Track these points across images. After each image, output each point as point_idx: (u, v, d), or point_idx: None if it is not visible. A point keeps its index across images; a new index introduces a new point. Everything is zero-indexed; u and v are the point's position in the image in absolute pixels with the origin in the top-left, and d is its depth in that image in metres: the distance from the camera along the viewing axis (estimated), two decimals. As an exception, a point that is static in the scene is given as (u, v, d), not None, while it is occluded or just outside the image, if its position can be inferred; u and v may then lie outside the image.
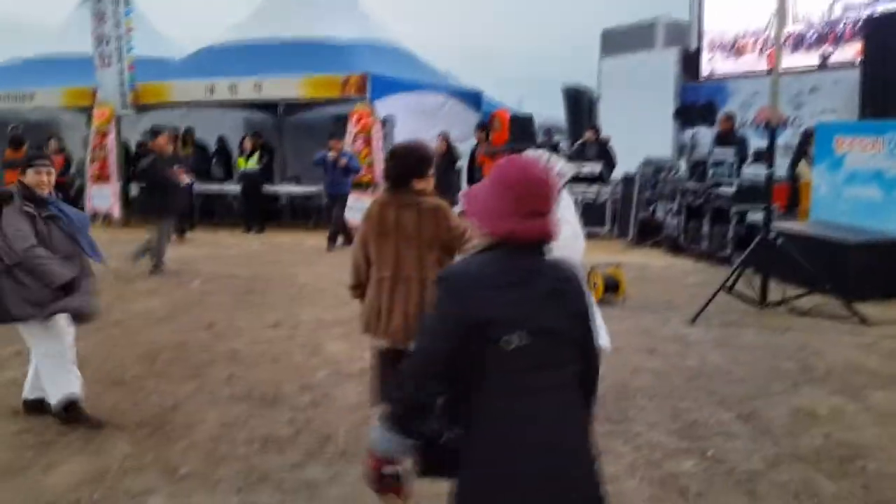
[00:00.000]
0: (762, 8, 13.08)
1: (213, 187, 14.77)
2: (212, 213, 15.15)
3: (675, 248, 10.74)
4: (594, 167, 11.90)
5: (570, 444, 1.97)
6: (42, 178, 4.22)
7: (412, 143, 3.98)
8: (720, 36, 14.87)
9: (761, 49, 13.93)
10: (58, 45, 16.95)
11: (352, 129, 12.39)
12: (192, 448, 4.05)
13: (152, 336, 6.31)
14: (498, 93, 17.34)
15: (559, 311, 1.96)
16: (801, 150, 10.71)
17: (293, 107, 16.71)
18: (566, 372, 1.99)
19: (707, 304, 6.80)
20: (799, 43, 13.39)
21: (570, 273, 2.05)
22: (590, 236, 4.80)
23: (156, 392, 4.93)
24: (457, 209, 3.74)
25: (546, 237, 1.97)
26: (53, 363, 4.37)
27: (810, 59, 13.17)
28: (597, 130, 12.41)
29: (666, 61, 15.21)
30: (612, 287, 7.38)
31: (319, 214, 13.62)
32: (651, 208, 11.92)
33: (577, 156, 12.44)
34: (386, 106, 12.64)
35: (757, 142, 12.82)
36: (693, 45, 15.49)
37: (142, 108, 14.75)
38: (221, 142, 16.09)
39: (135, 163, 15.13)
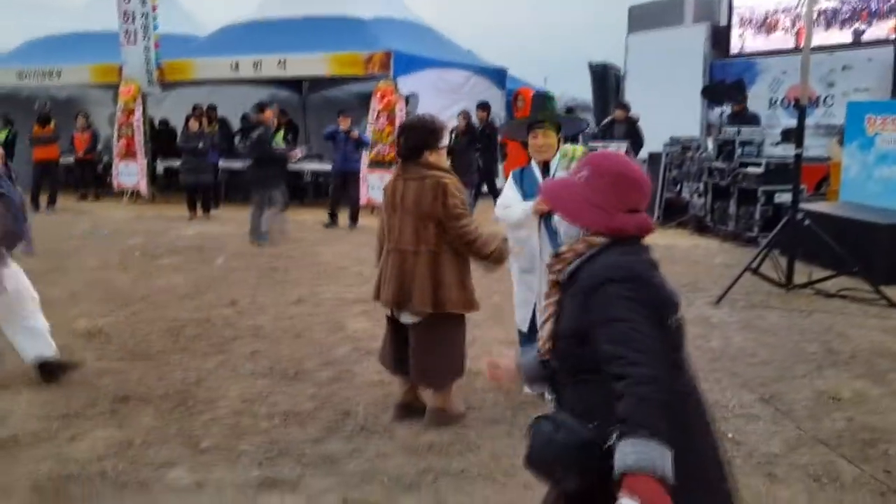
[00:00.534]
0: (794, -17, 12.80)
1: (238, 165, 14.84)
2: (237, 190, 15.24)
3: (701, 228, 10.63)
4: (620, 146, 11.77)
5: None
6: None
7: (422, 116, 4.09)
8: (750, 12, 14.57)
9: (793, 25, 13.64)
10: (84, 22, 17.06)
11: (375, 106, 12.36)
12: (214, 422, 4.10)
13: (177, 312, 6.39)
14: (522, 70, 17.19)
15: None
16: None
17: (317, 84, 16.72)
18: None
19: (732, 286, 6.73)
20: (832, 19, 13.10)
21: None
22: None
23: (180, 367, 5.00)
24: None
25: (645, 232, 1.96)
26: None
27: (843, 35, 12.88)
28: (626, 109, 12.19)
29: (695, 38, 14.92)
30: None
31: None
32: (677, 188, 11.79)
33: (604, 134, 12.30)
34: (409, 83, 12.59)
35: (787, 121, 12.62)
36: (723, 21, 15.21)
37: (167, 86, 14.83)
38: (246, 119, 16.14)
39: (162, 139, 15.32)
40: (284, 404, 4.34)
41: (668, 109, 13.43)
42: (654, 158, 11.85)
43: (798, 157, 6.93)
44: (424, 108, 12.68)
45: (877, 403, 4.36)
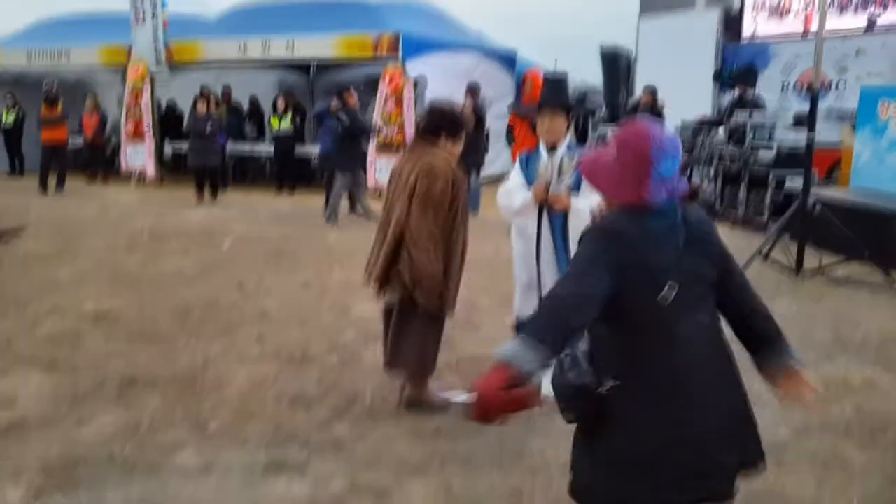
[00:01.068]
0: (808, -34, 12.64)
1: (246, 148, 14.83)
2: (244, 173, 15.25)
3: (711, 213, 10.55)
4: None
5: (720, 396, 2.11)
6: None
7: (453, 105, 4.13)
8: (764, -5, 14.40)
9: (806, 9, 13.48)
10: (93, 3, 17.02)
11: (383, 89, 12.29)
12: (221, 405, 4.11)
13: (184, 295, 6.40)
14: (532, 54, 17.06)
15: (700, 257, 2.05)
16: None
17: (325, 67, 16.63)
18: (706, 312, 2.07)
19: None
20: (845, 4, 12.93)
21: (703, 218, 2.12)
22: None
23: (187, 350, 5.00)
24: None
25: (673, 196, 2.03)
26: None
27: (857, 21, 12.71)
28: (654, 94, 11.97)
29: (707, 22, 14.77)
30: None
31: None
32: (688, 173, 11.71)
33: (627, 116, 12.16)
34: (418, 66, 12.51)
35: (799, 106, 12.50)
36: (735, 6, 15.03)
37: (174, 67, 14.80)
38: (254, 102, 16.12)
39: (172, 121, 15.31)
40: (291, 388, 4.34)
41: (680, 94, 13.30)
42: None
43: (810, 142, 6.86)
44: (433, 91, 12.62)
45: (887, 390, 4.33)
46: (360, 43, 12.61)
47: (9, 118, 14.94)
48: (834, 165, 10.95)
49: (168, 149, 15.88)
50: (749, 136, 9.83)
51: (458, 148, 3.91)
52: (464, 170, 3.92)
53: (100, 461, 3.45)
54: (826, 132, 10.94)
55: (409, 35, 12.46)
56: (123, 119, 14.60)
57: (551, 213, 3.95)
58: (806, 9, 13.46)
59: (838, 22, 12.57)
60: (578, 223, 3.61)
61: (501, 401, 1.90)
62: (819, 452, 3.56)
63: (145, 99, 14.33)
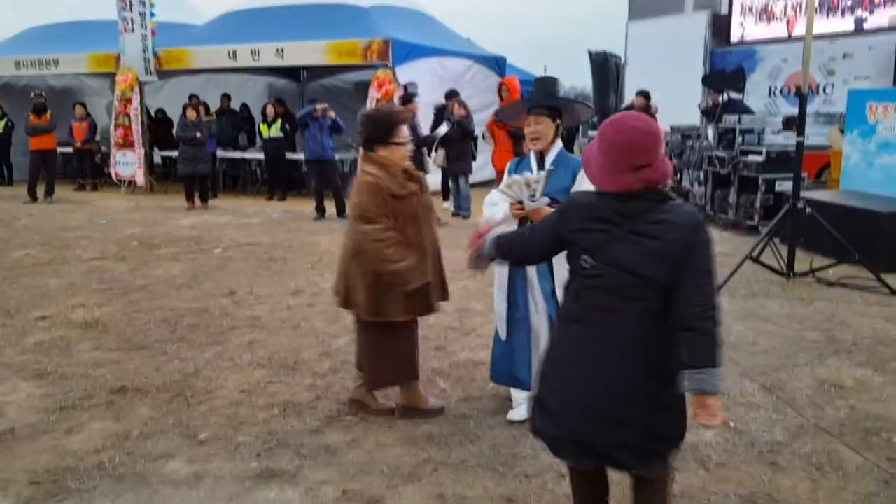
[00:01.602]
0: (795, -30, 12.71)
1: (236, 154, 14.80)
2: (235, 180, 15.21)
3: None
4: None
5: (616, 367, 2.26)
6: None
7: (381, 108, 4.07)
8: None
9: (794, 13, 13.56)
10: (82, 11, 16.96)
11: (373, 94, 12.28)
12: (212, 413, 4.07)
13: (174, 302, 6.36)
14: (522, 59, 17.12)
15: (638, 251, 2.20)
16: None
17: (315, 73, 16.63)
18: (634, 305, 2.24)
19: (732, 275, 6.70)
20: (832, 7, 13.02)
21: (671, 217, 2.21)
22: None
23: (177, 357, 4.96)
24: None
25: (650, 184, 2.23)
26: None
27: (845, 23, 12.80)
28: (647, 97, 12.00)
29: (695, 26, 14.84)
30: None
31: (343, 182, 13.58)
32: (677, 176, 11.73)
33: None
34: (408, 71, 12.50)
35: (787, 109, 12.57)
36: (723, 10, 15.12)
37: (163, 74, 14.76)
38: (245, 109, 16.09)
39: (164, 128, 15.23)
40: (283, 395, 4.31)
41: (669, 97, 13.35)
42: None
43: (799, 145, 6.88)
44: (424, 96, 12.59)
45: (879, 391, 4.34)
46: (350, 49, 12.60)
47: (-2, 128, 14.87)
48: (823, 168, 11.02)
49: (158, 156, 15.85)
50: (738, 140, 9.86)
51: (399, 151, 3.74)
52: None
53: (89, 471, 3.40)
54: (815, 135, 11.02)
55: (399, 41, 12.46)
56: (113, 127, 14.53)
57: None
58: (795, 12, 13.54)
59: (826, 25, 12.65)
60: None
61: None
62: (813, 454, 3.55)
63: (134, 106, 14.27)
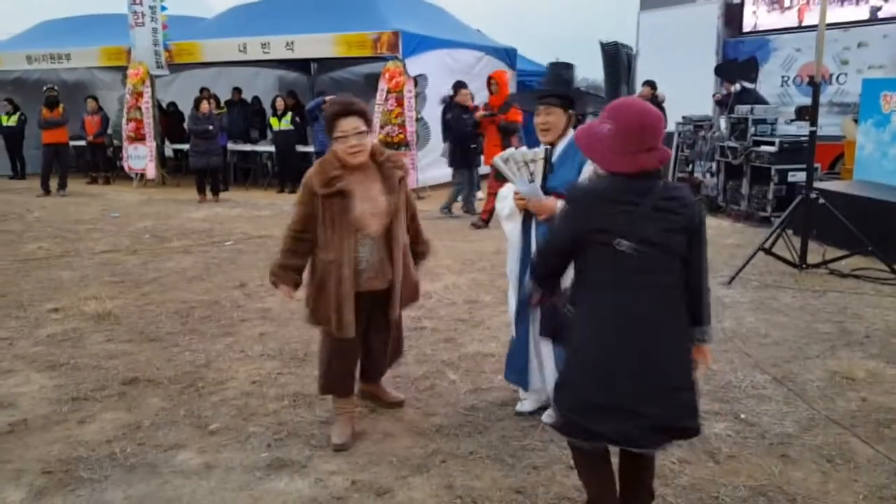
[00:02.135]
0: (809, -42, 12.58)
1: (247, 147, 14.84)
2: (246, 172, 15.25)
3: (714, 208, 10.53)
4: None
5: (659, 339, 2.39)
6: None
7: (331, 100, 3.79)
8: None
9: (807, 2, 13.42)
10: (92, 5, 17.05)
11: (384, 87, 12.27)
12: (223, 404, 4.10)
13: (186, 294, 6.39)
14: (532, 50, 17.04)
15: (664, 226, 2.35)
16: None
17: (325, 65, 16.63)
18: (669, 278, 2.40)
19: (744, 266, 6.66)
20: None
21: (679, 194, 2.41)
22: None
23: (188, 349, 4.99)
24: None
25: (656, 166, 2.37)
26: None
27: (859, 12, 12.66)
28: (653, 87, 11.94)
29: (708, 15, 14.70)
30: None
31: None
32: (689, 167, 11.67)
33: None
34: (419, 63, 12.48)
35: (800, 99, 12.46)
36: (735, -1, 14.99)
37: (174, 68, 14.80)
38: (256, 101, 16.12)
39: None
40: (293, 386, 4.32)
41: (681, 88, 13.27)
42: (666, 137, 11.69)
43: (812, 135, 6.82)
44: (434, 88, 12.62)
45: (891, 383, 4.31)
46: (360, 41, 12.57)
47: (9, 121, 14.94)
48: (837, 159, 10.92)
49: (169, 149, 15.91)
50: (751, 131, 9.79)
51: (340, 146, 3.37)
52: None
53: (101, 461, 3.43)
54: (828, 125, 10.92)
55: (409, 33, 12.44)
56: (124, 120, 14.59)
57: (539, 222, 3.57)
58: (808, 1, 13.40)
59: (840, 13, 12.52)
60: None
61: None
62: (824, 446, 3.54)
63: (146, 99, 14.32)
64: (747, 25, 14.62)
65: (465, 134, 9.92)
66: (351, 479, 3.25)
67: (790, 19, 13.80)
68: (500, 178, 9.23)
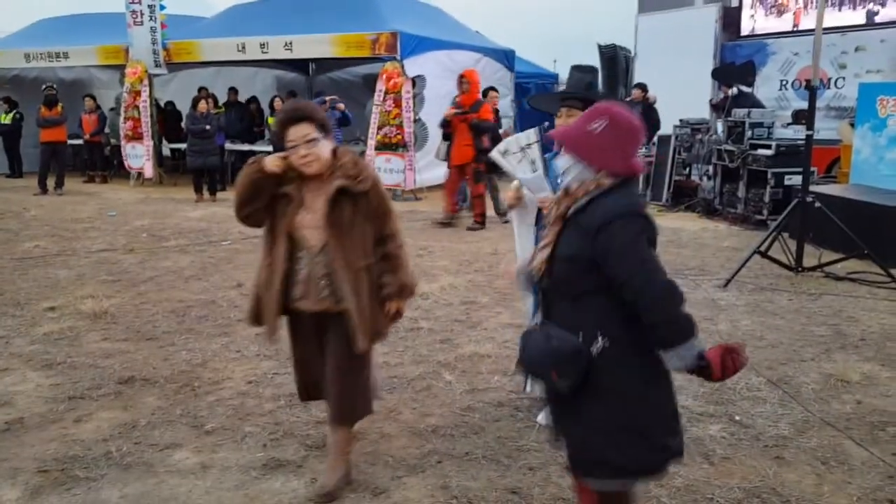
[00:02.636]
0: (806, -38, 12.62)
1: (245, 147, 14.83)
2: (244, 172, 15.23)
3: (710, 211, 10.55)
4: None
5: None
6: None
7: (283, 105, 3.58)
8: (762, -8, 14.38)
9: (805, 7, 13.46)
10: (91, 3, 17.04)
11: (382, 87, 12.27)
12: (219, 403, 4.10)
13: (182, 293, 6.39)
14: (531, 52, 17.07)
15: None
16: None
17: (324, 65, 16.62)
18: None
19: (740, 269, 6.68)
20: (845, -1, 12.91)
21: None
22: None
23: (185, 348, 5.00)
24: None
25: (641, 171, 2.39)
26: None
27: (856, 16, 12.69)
28: (644, 89, 11.97)
29: (706, 18, 14.73)
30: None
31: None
32: (686, 170, 11.69)
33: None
34: (417, 64, 12.48)
35: (798, 103, 12.48)
36: (734, 2, 15.01)
37: (173, 67, 14.78)
38: (254, 101, 16.12)
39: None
40: (289, 386, 4.30)
41: (679, 91, 13.29)
42: (663, 141, 11.73)
43: (809, 138, 6.84)
44: (432, 90, 12.60)
45: (886, 386, 4.32)
46: (359, 41, 12.58)
47: (5, 119, 14.92)
48: (833, 162, 10.95)
49: (167, 148, 15.89)
50: (747, 134, 9.81)
51: (299, 151, 2.96)
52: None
53: (97, 460, 3.44)
54: (825, 129, 10.95)
55: (408, 33, 12.44)
56: (122, 119, 14.58)
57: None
58: (806, 5, 13.43)
59: (838, 17, 12.55)
60: None
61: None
62: (819, 449, 3.55)
63: (143, 98, 14.31)
64: (745, 29, 14.64)
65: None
66: (347, 478, 3.25)
67: (788, 23, 13.83)
68: (479, 181, 9.17)
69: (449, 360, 4.76)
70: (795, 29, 13.39)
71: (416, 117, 12.33)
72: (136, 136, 14.44)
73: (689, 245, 8.44)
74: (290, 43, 13.08)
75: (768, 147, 9.53)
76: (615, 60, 16.28)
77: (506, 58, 15.43)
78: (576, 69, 3.89)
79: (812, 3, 13.10)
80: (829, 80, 12.47)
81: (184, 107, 14.53)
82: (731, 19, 14.74)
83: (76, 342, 5.11)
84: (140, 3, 13.82)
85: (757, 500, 3.11)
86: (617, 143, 2.23)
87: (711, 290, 6.47)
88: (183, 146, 13.82)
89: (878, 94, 8.63)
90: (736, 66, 12.45)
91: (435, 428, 3.77)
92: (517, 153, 3.44)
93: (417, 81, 12.52)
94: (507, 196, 3.65)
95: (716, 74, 13.16)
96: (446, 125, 9.71)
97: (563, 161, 2.32)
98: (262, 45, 13.32)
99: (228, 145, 14.33)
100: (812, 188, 7.18)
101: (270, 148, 13.70)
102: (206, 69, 16.10)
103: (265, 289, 3.13)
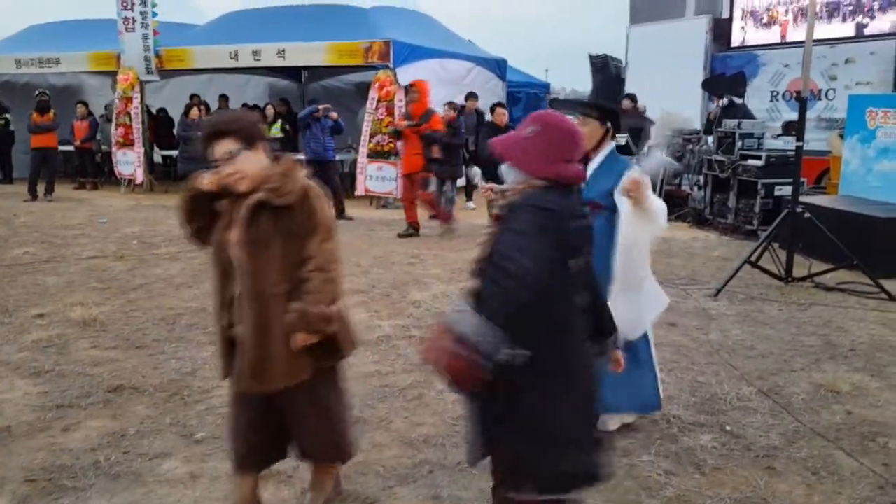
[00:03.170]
0: (796, -25, 12.73)
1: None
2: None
3: (701, 221, 10.59)
4: (619, 138, 11.63)
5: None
6: None
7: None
8: (752, 3, 14.49)
9: (795, 19, 13.57)
10: (83, 9, 16.99)
11: (374, 96, 12.29)
12: (209, 412, 4.08)
13: (173, 301, 6.36)
14: (522, 62, 17.13)
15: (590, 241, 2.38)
16: None
17: (316, 73, 16.63)
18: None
19: (731, 278, 6.71)
20: (834, 11, 13.03)
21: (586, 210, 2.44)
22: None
23: (175, 356, 4.97)
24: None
25: (580, 180, 2.36)
26: None
27: (846, 28, 12.81)
28: (634, 100, 12.02)
29: (696, 30, 14.84)
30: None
31: (342, 182, 13.54)
32: (677, 180, 11.74)
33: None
34: (409, 73, 12.49)
35: (788, 114, 12.57)
36: (724, 14, 15.13)
37: (165, 74, 14.76)
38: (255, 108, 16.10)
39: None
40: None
41: (669, 102, 13.36)
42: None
43: (799, 149, 6.89)
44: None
45: (876, 397, 4.34)
46: (351, 49, 12.60)
47: (-3, 125, 14.87)
48: (823, 173, 11.03)
49: (158, 155, 15.84)
50: (738, 145, 9.87)
51: (224, 170, 2.66)
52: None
53: (85, 469, 3.41)
54: (816, 141, 11.03)
55: (400, 42, 12.47)
56: (113, 126, 14.53)
57: None
58: (795, 18, 13.54)
59: (828, 30, 12.66)
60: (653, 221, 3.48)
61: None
62: (809, 459, 3.56)
63: (135, 105, 14.27)
64: (735, 40, 14.76)
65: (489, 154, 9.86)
66: (337, 490, 3.24)
67: (778, 35, 13.95)
68: (427, 188, 9.08)
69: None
70: (785, 41, 13.50)
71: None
72: (128, 143, 14.39)
73: (679, 255, 8.47)
74: (283, 50, 13.09)
75: (758, 158, 9.58)
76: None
77: (498, 67, 15.48)
78: (598, 75, 4.05)
79: (801, 16, 13.21)
80: (820, 91, 12.58)
81: (176, 113, 14.49)
82: (721, 31, 14.86)
83: (65, 350, 5.07)
84: (132, 9, 13.80)
85: (748, 511, 3.11)
86: (543, 149, 2.27)
87: (702, 299, 6.49)
88: (175, 153, 13.79)
89: (868, 106, 8.70)
90: (726, 77, 12.53)
91: (426, 438, 3.76)
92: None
93: (409, 90, 12.52)
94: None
95: (706, 85, 13.25)
96: (398, 135, 9.81)
97: (504, 167, 2.38)
98: (255, 53, 13.32)
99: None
100: (802, 199, 7.23)
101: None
102: (198, 76, 16.09)
103: (216, 319, 2.84)
